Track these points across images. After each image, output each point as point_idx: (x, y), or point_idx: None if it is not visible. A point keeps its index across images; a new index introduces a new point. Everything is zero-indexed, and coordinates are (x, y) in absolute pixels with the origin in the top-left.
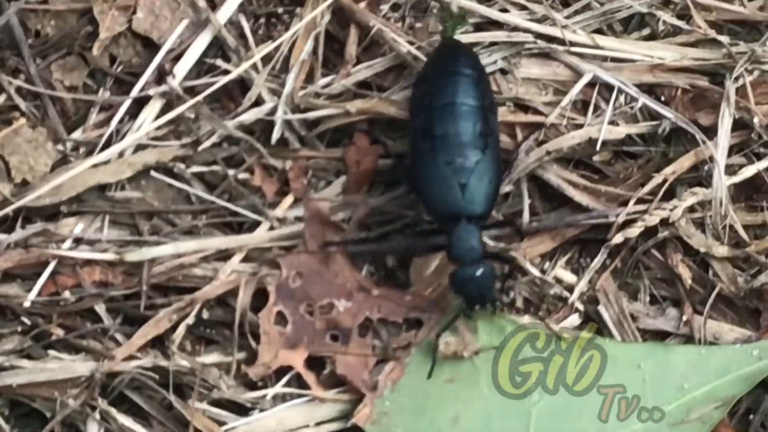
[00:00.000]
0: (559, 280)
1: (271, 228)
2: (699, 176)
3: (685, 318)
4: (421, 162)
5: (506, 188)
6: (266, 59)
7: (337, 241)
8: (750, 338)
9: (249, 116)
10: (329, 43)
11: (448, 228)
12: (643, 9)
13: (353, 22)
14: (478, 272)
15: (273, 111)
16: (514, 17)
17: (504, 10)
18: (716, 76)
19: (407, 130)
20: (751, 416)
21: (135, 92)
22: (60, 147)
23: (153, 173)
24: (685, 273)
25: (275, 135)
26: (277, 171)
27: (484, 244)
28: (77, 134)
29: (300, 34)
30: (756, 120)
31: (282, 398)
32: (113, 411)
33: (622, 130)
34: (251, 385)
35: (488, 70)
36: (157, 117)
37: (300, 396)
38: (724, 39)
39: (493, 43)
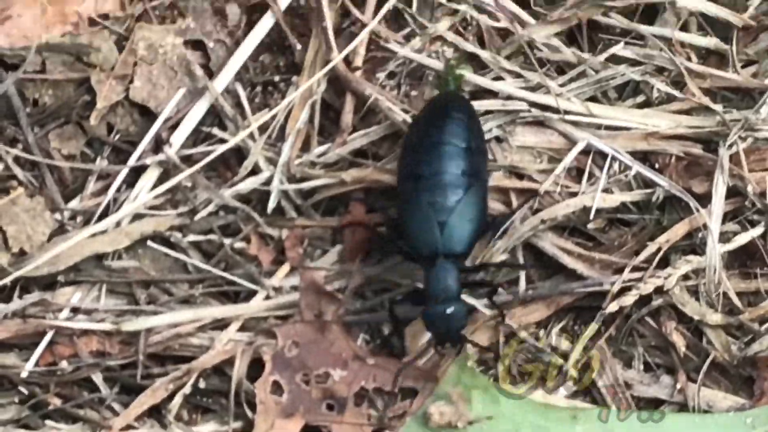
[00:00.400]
0: (553, 348)
1: (268, 297)
2: (693, 243)
3: (679, 386)
4: (405, 202)
5: (501, 256)
6: (262, 128)
7: (332, 310)
8: (744, 406)
9: (245, 185)
10: (325, 111)
11: (428, 266)
12: (637, 77)
13: (349, 91)
14: (449, 310)
15: (269, 180)
16: (509, 86)
17: (498, 78)
18: (710, 144)
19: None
20: None
21: (132, 161)
22: (57, 216)
23: (150, 243)
24: (679, 341)
25: (271, 204)
26: (274, 240)
27: (460, 286)
28: (75, 203)
29: (296, 102)
30: (749, 188)
31: None
32: None
33: (616, 198)
34: None
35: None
36: (154, 186)
37: None
38: (718, 107)
39: (488, 112)
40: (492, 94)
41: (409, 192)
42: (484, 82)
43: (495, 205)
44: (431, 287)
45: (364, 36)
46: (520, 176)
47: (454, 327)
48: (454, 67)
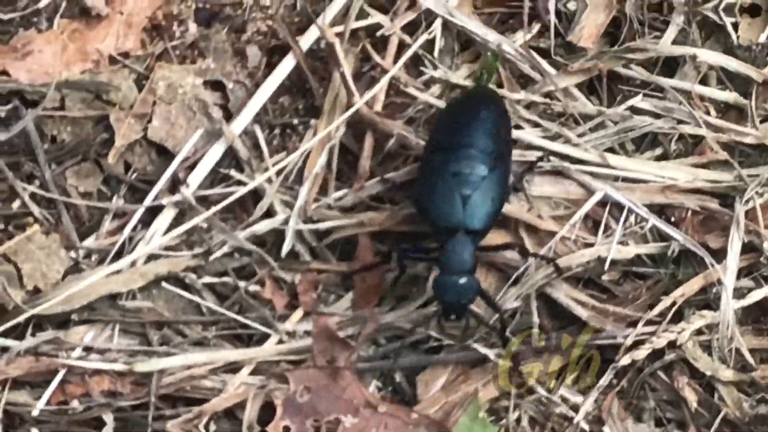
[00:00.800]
0: (564, 399)
1: (280, 341)
2: (707, 298)
3: None
4: (428, 173)
5: (514, 304)
6: (280, 170)
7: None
8: None
9: (261, 227)
10: (343, 154)
11: (445, 240)
12: (655, 129)
13: (371, 132)
14: (461, 281)
15: (285, 222)
16: (527, 134)
17: (518, 127)
18: (727, 198)
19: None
20: None
21: (148, 201)
22: (72, 254)
23: (164, 284)
24: (691, 396)
25: (286, 247)
26: (287, 284)
27: (476, 262)
28: (90, 241)
29: (314, 146)
30: (765, 244)
31: None
32: None
33: (631, 250)
34: None
35: None
36: (170, 226)
37: None
38: (735, 163)
39: None
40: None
41: (435, 163)
42: None
43: (510, 254)
44: (446, 257)
45: (384, 82)
46: (535, 228)
47: (464, 298)
48: (492, 63)
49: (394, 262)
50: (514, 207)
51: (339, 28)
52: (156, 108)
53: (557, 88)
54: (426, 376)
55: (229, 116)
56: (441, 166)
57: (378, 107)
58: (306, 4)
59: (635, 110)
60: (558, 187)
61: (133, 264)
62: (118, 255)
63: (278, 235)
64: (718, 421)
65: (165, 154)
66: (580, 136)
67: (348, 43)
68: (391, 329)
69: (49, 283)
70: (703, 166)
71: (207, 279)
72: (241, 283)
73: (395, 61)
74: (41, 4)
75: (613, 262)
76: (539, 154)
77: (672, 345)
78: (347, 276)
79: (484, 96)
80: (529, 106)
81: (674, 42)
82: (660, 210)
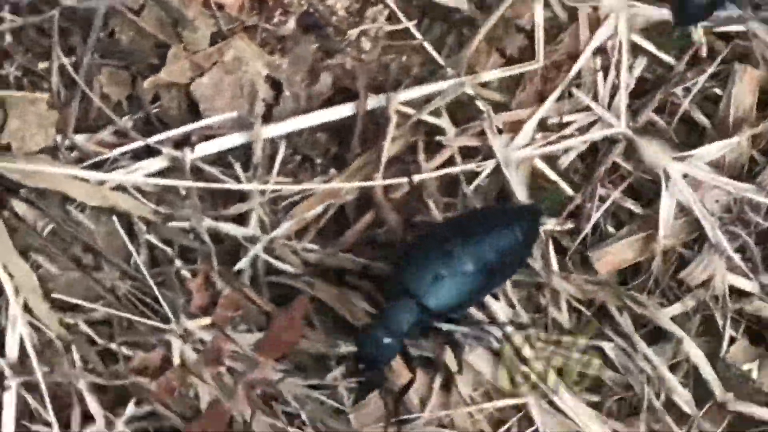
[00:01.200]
0: None
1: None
2: None
3: None
4: (426, 236)
5: None
6: (275, 191)
7: None
8: None
9: (227, 228)
10: (339, 211)
11: (396, 298)
12: None
13: (375, 210)
14: (387, 340)
15: (250, 241)
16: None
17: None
18: None
19: None
20: None
21: (152, 139)
22: (59, 138)
23: (114, 217)
24: None
25: (239, 265)
26: (215, 291)
27: (412, 334)
28: (80, 138)
29: (319, 194)
30: None
31: None
32: None
33: None
34: None
35: None
36: (155, 174)
37: None
38: None
39: None
40: None
41: (439, 232)
42: None
43: None
44: (386, 311)
45: (408, 180)
46: None
47: (383, 357)
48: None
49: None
50: None
51: (409, 110)
52: (213, 68)
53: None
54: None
55: (268, 118)
56: (440, 239)
57: (397, 194)
58: (397, 70)
59: None
60: None
61: (101, 183)
62: (96, 167)
63: (237, 246)
64: None
65: (193, 112)
66: None
67: (408, 127)
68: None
69: (23, 149)
70: None
71: (152, 238)
72: (178, 262)
73: (436, 169)
74: None
75: None
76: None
77: None
78: (268, 317)
79: (527, 215)
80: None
81: None
82: None
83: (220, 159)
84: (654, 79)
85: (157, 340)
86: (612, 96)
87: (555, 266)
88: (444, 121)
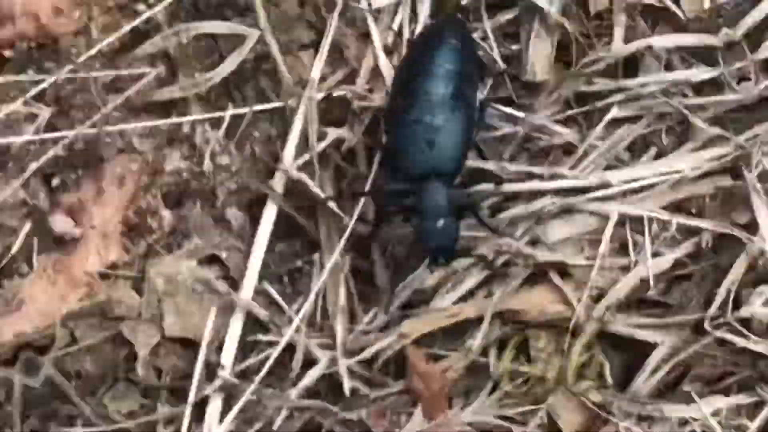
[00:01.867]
0: None
1: None
2: (758, 274)
3: None
4: (392, 124)
5: (583, 357)
6: (304, 316)
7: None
8: None
9: (309, 379)
10: (356, 275)
11: (418, 187)
12: (642, 131)
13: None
14: (441, 224)
15: (330, 365)
16: (523, 186)
17: (510, 180)
18: (737, 170)
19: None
20: None
21: (192, 398)
22: None
23: None
24: None
25: (347, 386)
26: (356, 423)
27: (451, 203)
28: None
29: (327, 283)
30: None
31: None
32: None
33: (667, 259)
34: None
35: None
36: (222, 413)
37: None
38: (729, 133)
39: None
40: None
41: (398, 111)
42: (508, 186)
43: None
44: (423, 205)
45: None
46: (567, 273)
47: (447, 241)
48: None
49: (450, 361)
50: (542, 255)
51: (306, 157)
52: (163, 305)
53: (536, 128)
54: None
55: (234, 284)
56: (402, 115)
57: (371, 215)
58: (265, 148)
59: (615, 121)
60: (573, 225)
61: None
62: None
63: (328, 379)
64: None
65: (189, 346)
66: (573, 167)
67: (321, 166)
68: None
69: None
70: (702, 147)
71: None
72: None
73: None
74: (14, 250)
75: (655, 276)
76: (544, 201)
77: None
78: (409, 392)
79: (443, 30)
80: (514, 157)
81: (626, 40)
82: (677, 207)
83: (245, 350)
84: None
85: None
86: None
87: (518, 114)
88: (334, 132)
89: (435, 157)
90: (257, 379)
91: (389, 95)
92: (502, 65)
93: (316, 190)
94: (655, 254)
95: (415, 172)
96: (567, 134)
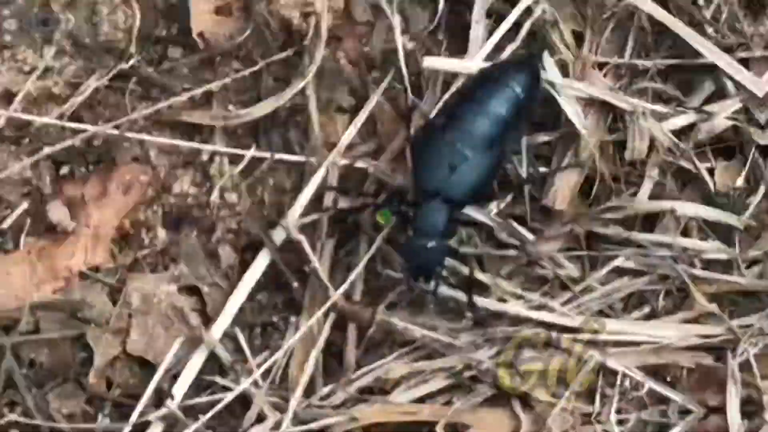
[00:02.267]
0: None
1: None
2: None
3: None
4: (427, 133)
5: None
6: (265, 371)
7: None
8: None
9: None
10: (327, 347)
11: (422, 202)
12: (641, 287)
13: (353, 322)
14: (430, 244)
15: (276, 427)
16: (512, 307)
17: (501, 300)
18: (721, 351)
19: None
20: None
21: (134, 418)
22: None
23: None
24: None
25: None
26: None
27: (450, 231)
28: None
29: (297, 344)
30: (765, 398)
31: None
32: None
33: (630, 418)
34: None
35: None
36: None
37: None
38: (725, 315)
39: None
40: (497, 317)
41: (436, 125)
42: (491, 304)
43: None
44: (418, 220)
45: (359, 270)
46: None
47: (432, 261)
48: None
49: None
50: (507, 382)
51: (312, 217)
52: (133, 321)
53: (540, 257)
54: None
55: (207, 320)
56: (439, 131)
57: (357, 296)
58: (275, 198)
59: (618, 269)
60: (548, 359)
61: None
62: None
63: None
64: None
65: (147, 367)
66: (565, 303)
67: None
68: None
69: None
70: (694, 320)
71: None
72: None
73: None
74: (5, 224)
75: None
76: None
77: None
78: None
79: (512, 72)
80: (511, 275)
81: (651, 195)
82: (654, 371)
83: (198, 388)
84: None
85: None
86: None
87: (528, 234)
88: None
89: (451, 182)
90: (202, 419)
91: (440, 108)
92: (526, 185)
93: (312, 258)
94: (619, 410)
95: (427, 186)
96: (570, 269)
